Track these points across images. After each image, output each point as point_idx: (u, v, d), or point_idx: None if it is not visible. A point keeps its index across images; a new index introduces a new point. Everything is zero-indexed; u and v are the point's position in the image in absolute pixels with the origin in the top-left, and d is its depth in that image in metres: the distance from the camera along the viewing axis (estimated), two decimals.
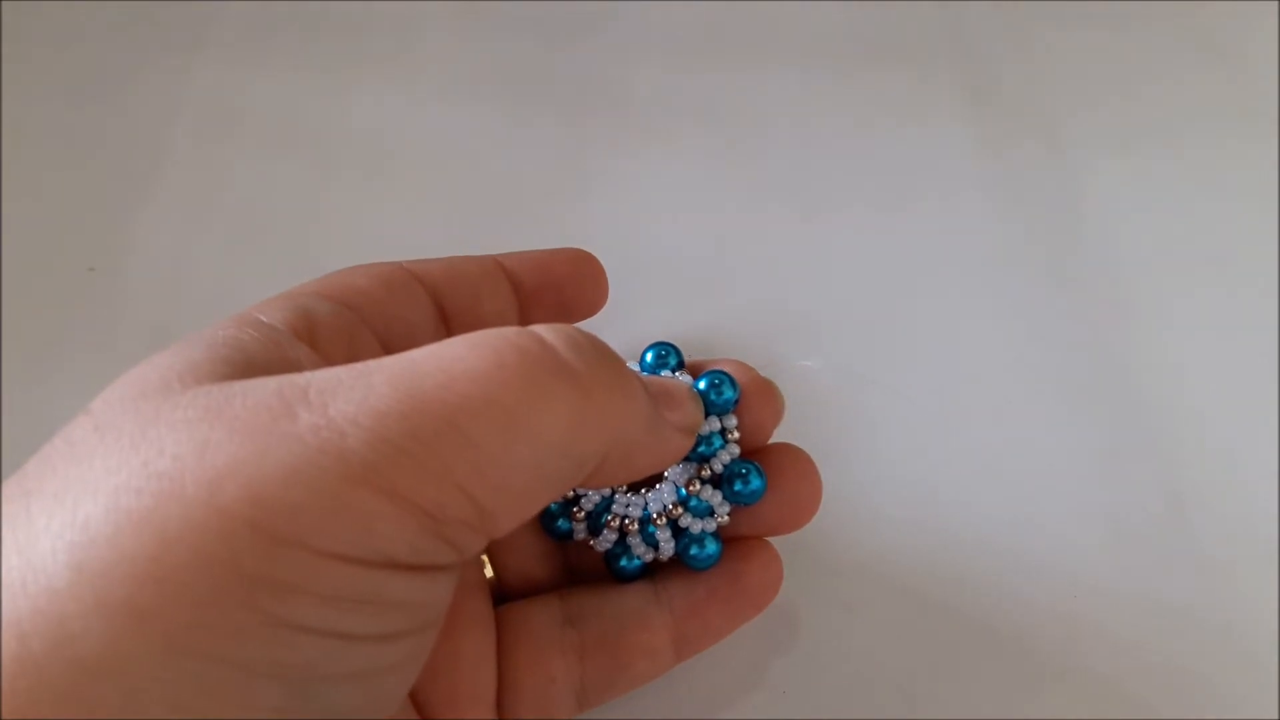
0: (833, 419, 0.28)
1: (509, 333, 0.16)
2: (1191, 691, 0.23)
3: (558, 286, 0.24)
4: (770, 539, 0.22)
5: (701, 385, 0.21)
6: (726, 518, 0.21)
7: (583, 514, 0.22)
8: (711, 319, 0.30)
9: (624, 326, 0.28)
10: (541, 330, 0.17)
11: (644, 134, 0.35)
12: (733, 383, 0.21)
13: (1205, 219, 0.33)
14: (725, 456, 0.21)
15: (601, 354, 0.17)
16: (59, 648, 0.13)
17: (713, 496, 0.21)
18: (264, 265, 0.31)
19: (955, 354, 0.29)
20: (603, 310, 0.25)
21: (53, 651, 0.13)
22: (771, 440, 0.22)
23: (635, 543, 0.21)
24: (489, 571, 0.22)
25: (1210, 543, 0.26)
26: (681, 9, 0.39)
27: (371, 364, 0.16)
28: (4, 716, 0.13)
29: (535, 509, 0.17)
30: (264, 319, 0.19)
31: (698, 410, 0.20)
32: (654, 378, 0.20)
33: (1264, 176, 0.34)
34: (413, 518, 0.15)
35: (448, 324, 0.22)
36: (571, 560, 0.23)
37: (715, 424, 0.21)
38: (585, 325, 0.24)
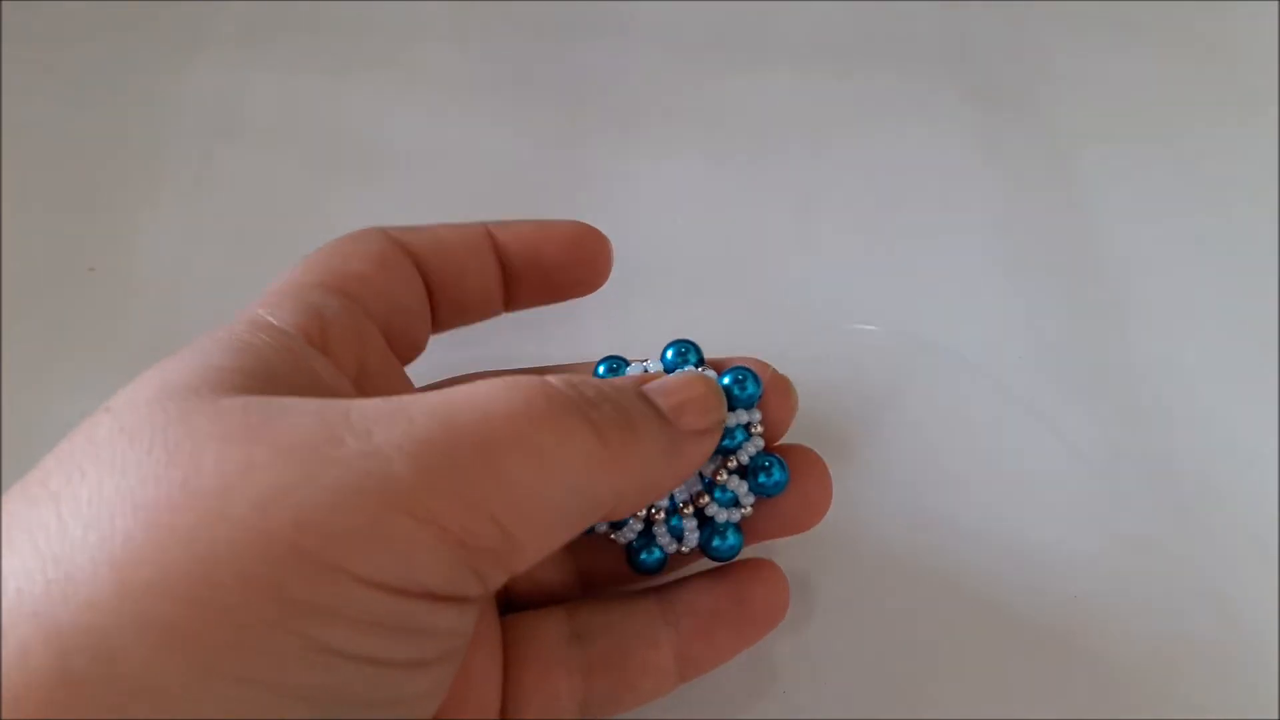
0: (833, 420, 0.28)
1: (532, 380, 0.17)
2: (1191, 691, 0.23)
3: (548, 267, 0.23)
4: (782, 562, 0.22)
5: (725, 381, 0.21)
6: (750, 509, 0.22)
7: None
8: (711, 319, 0.30)
9: (624, 326, 0.28)
10: (557, 382, 0.17)
11: (645, 134, 0.35)
12: (756, 379, 0.21)
13: (1205, 219, 0.33)
14: (751, 449, 0.21)
15: (613, 403, 0.18)
16: (99, 664, 0.13)
17: (739, 487, 0.21)
18: (264, 265, 0.31)
19: (955, 353, 0.29)
20: (603, 311, 0.24)
21: (92, 668, 0.13)
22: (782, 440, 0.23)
23: (660, 532, 0.22)
24: None
25: (1210, 542, 0.26)
26: (682, 9, 0.39)
27: (407, 398, 0.16)
28: None
29: (554, 546, 0.17)
30: (275, 322, 0.19)
31: (720, 405, 0.20)
32: (675, 378, 0.20)
33: (1264, 176, 0.34)
34: (448, 547, 0.15)
35: (432, 298, 0.23)
36: (583, 564, 0.23)
37: (741, 417, 0.21)
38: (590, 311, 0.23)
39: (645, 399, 0.19)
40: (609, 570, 0.23)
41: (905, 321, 0.30)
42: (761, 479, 0.21)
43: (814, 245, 0.32)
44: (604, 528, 0.22)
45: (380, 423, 0.15)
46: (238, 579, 0.14)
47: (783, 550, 0.25)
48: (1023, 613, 0.24)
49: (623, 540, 0.22)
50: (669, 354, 0.23)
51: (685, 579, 0.22)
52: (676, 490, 0.22)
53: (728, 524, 0.21)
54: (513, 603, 0.22)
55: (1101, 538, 0.26)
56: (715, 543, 0.22)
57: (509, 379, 0.17)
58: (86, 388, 0.28)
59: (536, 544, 0.17)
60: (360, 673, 0.15)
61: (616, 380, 0.19)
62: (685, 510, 0.21)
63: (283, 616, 0.14)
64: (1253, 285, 0.31)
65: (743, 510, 0.22)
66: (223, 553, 0.14)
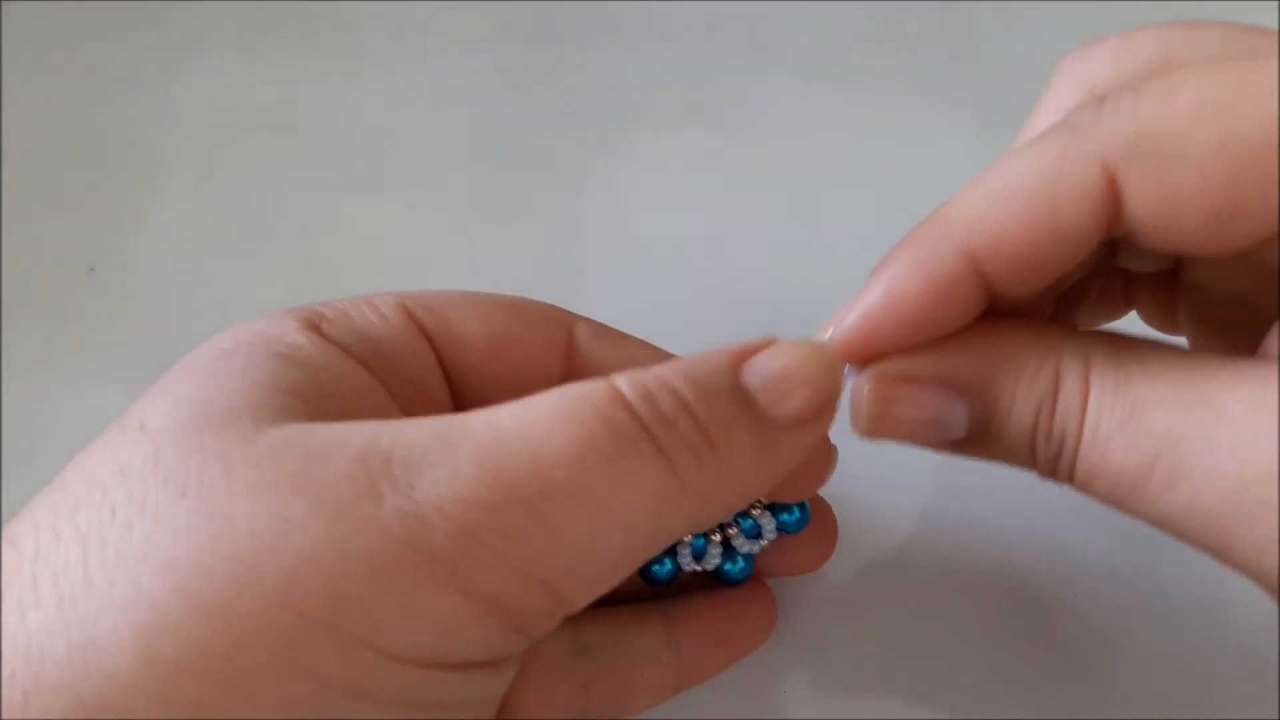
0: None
1: (599, 399, 0.15)
2: (1192, 691, 0.23)
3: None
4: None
5: (784, 518, 0.22)
6: (768, 543, 0.22)
7: None
8: (710, 320, 0.30)
9: (623, 327, 0.28)
10: (627, 390, 0.15)
11: (644, 134, 0.35)
12: (805, 512, 0.22)
13: None
14: None
15: (692, 420, 0.16)
16: None
17: (767, 522, 0.22)
18: (264, 265, 0.31)
19: None
20: (601, 313, 0.24)
21: None
22: None
23: (683, 551, 0.22)
24: None
25: None
26: (681, 9, 0.39)
27: (456, 430, 0.15)
28: None
29: (611, 586, 0.16)
30: (325, 330, 0.18)
31: (836, 382, 0.18)
32: (780, 358, 0.17)
33: None
34: (491, 616, 0.14)
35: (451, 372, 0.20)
36: None
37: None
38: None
39: (737, 398, 0.16)
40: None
41: None
42: (784, 517, 0.22)
43: (814, 245, 0.32)
44: None
45: (424, 472, 0.14)
46: (269, 657, 0.13)
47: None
48: (1024, 613, 0.24)
49: None
50: None
51: (686, 597, 0.22)
52: None
53: (748, 554, 0.22)
54: None
55: (1103, 537, 0.26)
56: (727, 567, 0.22)
57: (572, 396, 0.15)
58: (86, 388, 0.28)
59: (589, 595, 0.16)
60: None
61: (706, 364, 0.16)
62: (713, 536, 0.22)
63: (314, 698, 0.13)
64: None
65: (761, 543, 0.22)
66: (252, 629, 0.13)
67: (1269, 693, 0.23)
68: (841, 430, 0.28)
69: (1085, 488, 0.17)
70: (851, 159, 0.34)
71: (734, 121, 0.36)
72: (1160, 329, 0.23)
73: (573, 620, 0.21)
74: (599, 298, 0.24)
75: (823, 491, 0.22)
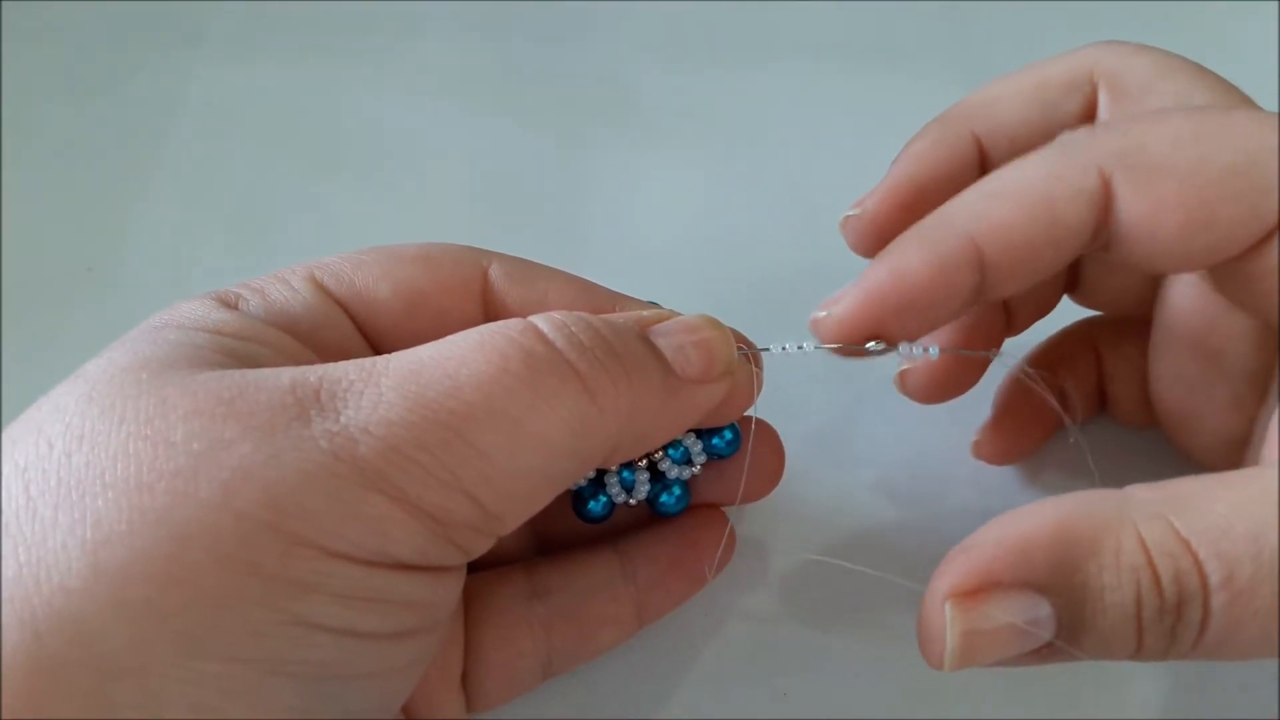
0: (832, 422, 0.28)
1: (513, 331, 0.16)
2: (1191, 691, 0.23)
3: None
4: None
5: (714, 441, 0.22)
6: (700, 468, 0.22)
7: None
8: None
9: None
10: (544, 325, 0.17)
11: (644, 133, 0.35)
12: (735, 434, 0.22)
13: None
14: None
15: (606, 348, 0.17)
16: (77, 648, 0.13)
17: (694, 445, 0.22)
18: (263, 265, 0.31)
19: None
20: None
21: (70, 651, 0.13)
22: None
23: (611, 482, 0.22)
24: None
25: None
26: (681, 9, 0.39)
27: (379, 364, 0.16)
28: (23, 716, 0.13)
29: (540, 506, 0.17)
30: (246, 309, 0.18)
31: (729, 351, 0.19)
32: (682, 319, 0.19)
33: None
34: (420, 523, 0.15)
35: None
36: (538, 522, 0.23)
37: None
38: None
39: (646, 342, 0.18)
40: (563, 526, 0.23)
41: None
42: (714, 441, 0.22)
43: (815, 245, 0.32)
44: None
45: (349, 400, 0.15)
46: (213, 558, 0.14)
47: (783, 553, 0.25)
48: None
49: (572, 486, 0.22)
50: None
51: (638, 531, 0.22)
52: None
53: (676, 480, 0.22)
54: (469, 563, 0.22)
55: None
56: (663, 498, 0.22)
57: (489, 331, 0.16)
58: None
59: (518, 512, 0.17)
60: (342, 646, 0.15)
61: (617, 317, 0.18)
62: (639, 463, 0.22)
63: (261, 593, 0.14)
64: None
65: (693, 469, 0.22)
66: (196, 533, 0.14)
67: (1269, 693, 0.23)
68: (847, 430, 0.28)
69: (1224, 645, 0.15)
70: (852, 158, 0.34)
71: (734, 121, 0.36)
72: (1129, 420, 0.26)
73: (528, 566, 0.22)
74: None
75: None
